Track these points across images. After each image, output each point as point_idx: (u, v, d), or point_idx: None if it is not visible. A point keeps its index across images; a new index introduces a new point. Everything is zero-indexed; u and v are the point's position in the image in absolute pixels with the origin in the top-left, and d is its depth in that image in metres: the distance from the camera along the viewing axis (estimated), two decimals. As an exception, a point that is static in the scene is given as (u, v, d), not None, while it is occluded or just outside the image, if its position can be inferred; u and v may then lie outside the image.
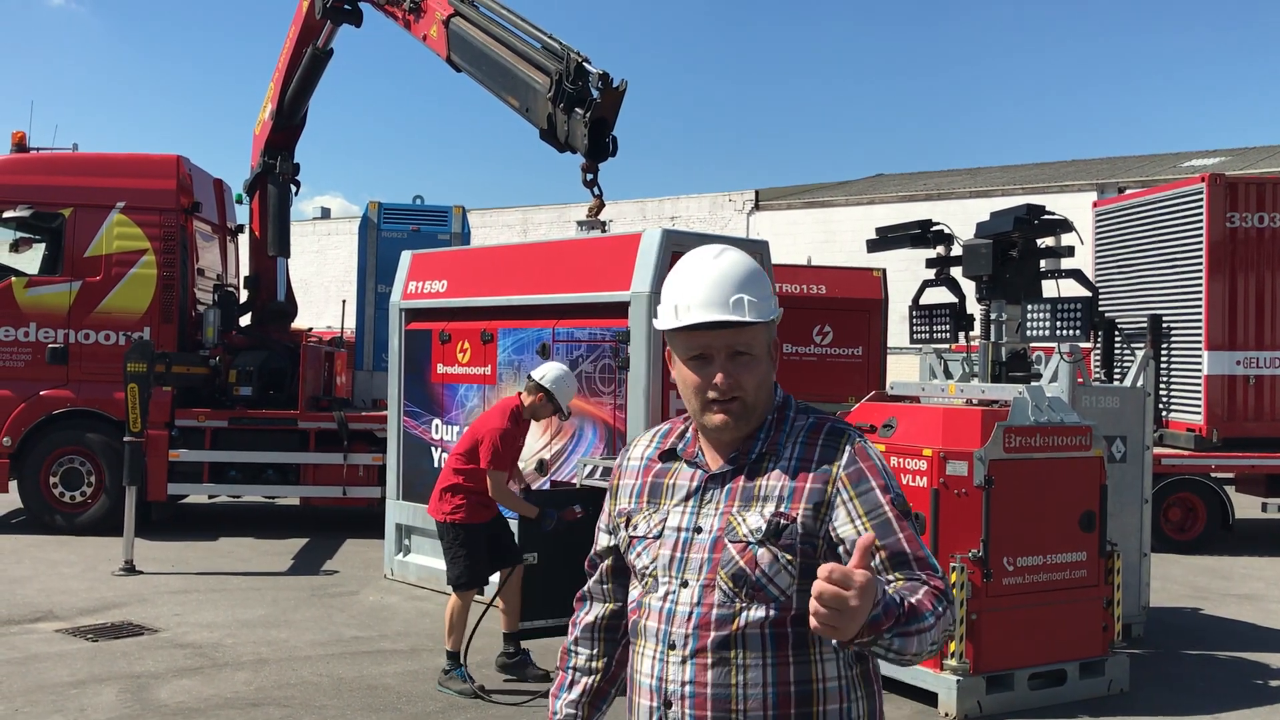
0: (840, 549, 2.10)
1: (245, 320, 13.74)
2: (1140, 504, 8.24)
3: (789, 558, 2.10)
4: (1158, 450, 12.05)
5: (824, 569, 1.84)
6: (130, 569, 9.92)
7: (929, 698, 6.59)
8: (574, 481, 7.75)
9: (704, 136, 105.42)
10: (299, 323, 14.45)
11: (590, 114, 8.96)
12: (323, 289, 34.76)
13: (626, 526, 2.31)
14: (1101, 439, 6.92)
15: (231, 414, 12.29)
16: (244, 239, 14.46)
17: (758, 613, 2.10)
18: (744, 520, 2.14)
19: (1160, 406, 12.96)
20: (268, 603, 9.00)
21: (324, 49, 12.40)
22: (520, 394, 7.09)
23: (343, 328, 14.86)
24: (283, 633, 8.08)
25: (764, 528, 2.12)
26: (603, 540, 2.44)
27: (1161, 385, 13.03)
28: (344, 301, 15.93)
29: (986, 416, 6.67)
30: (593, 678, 2.44)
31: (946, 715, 6.45)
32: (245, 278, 14.23)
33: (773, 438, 2.21)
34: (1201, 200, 12.42)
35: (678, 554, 2.18)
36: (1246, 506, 13.19)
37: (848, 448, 2.17)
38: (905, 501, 2.17)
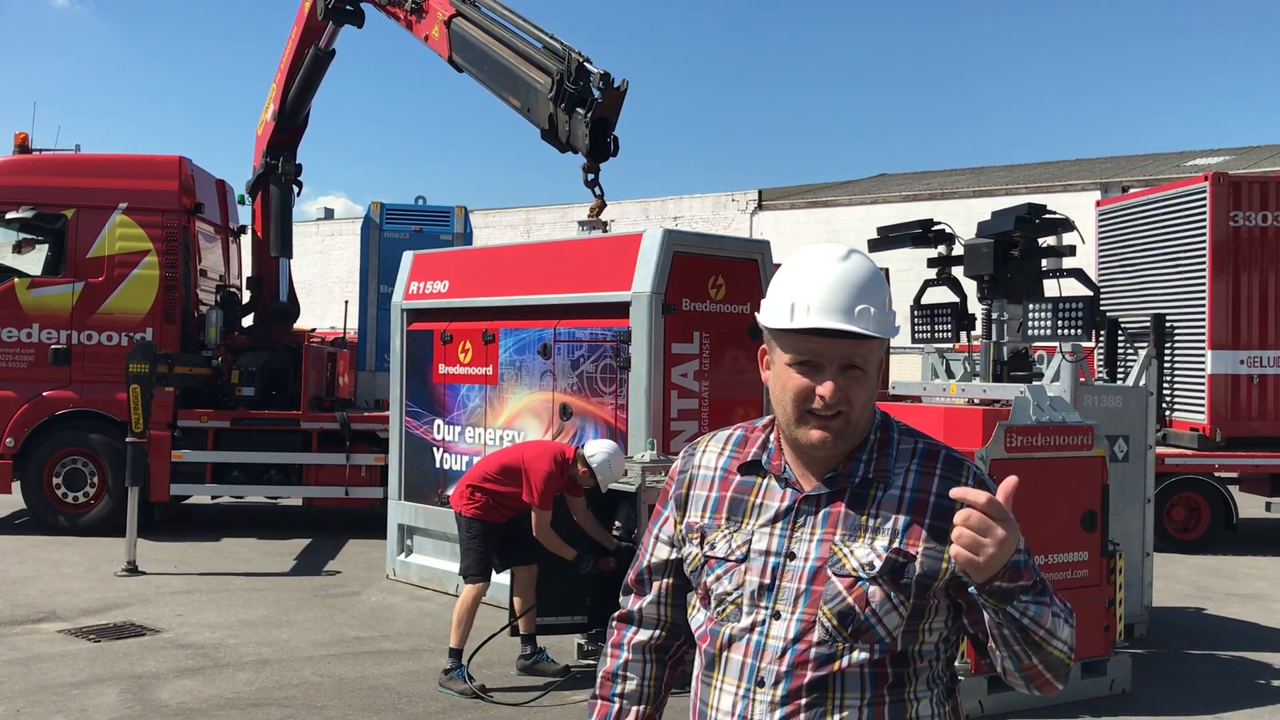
0: (964, 588, 1.95)
1: (248, 321, 13.75)
2: (1143, 503, 8.22)
3: (902, 598, 1.94)
4: (1161, 450, 12.04)
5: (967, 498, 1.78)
6: (133, 569, 9.93)
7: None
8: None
9: (707, 137, 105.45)
10: (301, 323, 14.45)
11: (591, 114, 8.96)
12: (326, 289, 34.79)
13: (701, 544, 2.09)
14: (1104, 438, 6.91)
15: (234, 414, 12.30)
16: (246, 240, 14.48)
17: (861, 654, 1.94)
18: (851, 552, 1.96)
19: (1164, 406, 12.93)
20: (270, 603, 9.01)
21: (326, 50, 12.41)
22: (578, 448, 7.06)
23: (345, 328, 14.88)
24: (284, 633, 8.09)
25: (878, 563, 1.94)
26: (662, 553, 2.20)
27: (1165, 384, 13.01)
28: (346, 302, 15.94)
29: (988, 416, 6.66)
30: (644, 706, 2.21)
31: (948, 715, 6.43)
32: (248, 278, 14.24)
33: (878, 461, 2.02)
34: (1205, 199, 12.40)
35: (767, 581, 1.99)
36: (1250, 506, 13.15)
37: (968, 479, 2.01)
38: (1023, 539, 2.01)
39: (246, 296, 14.07)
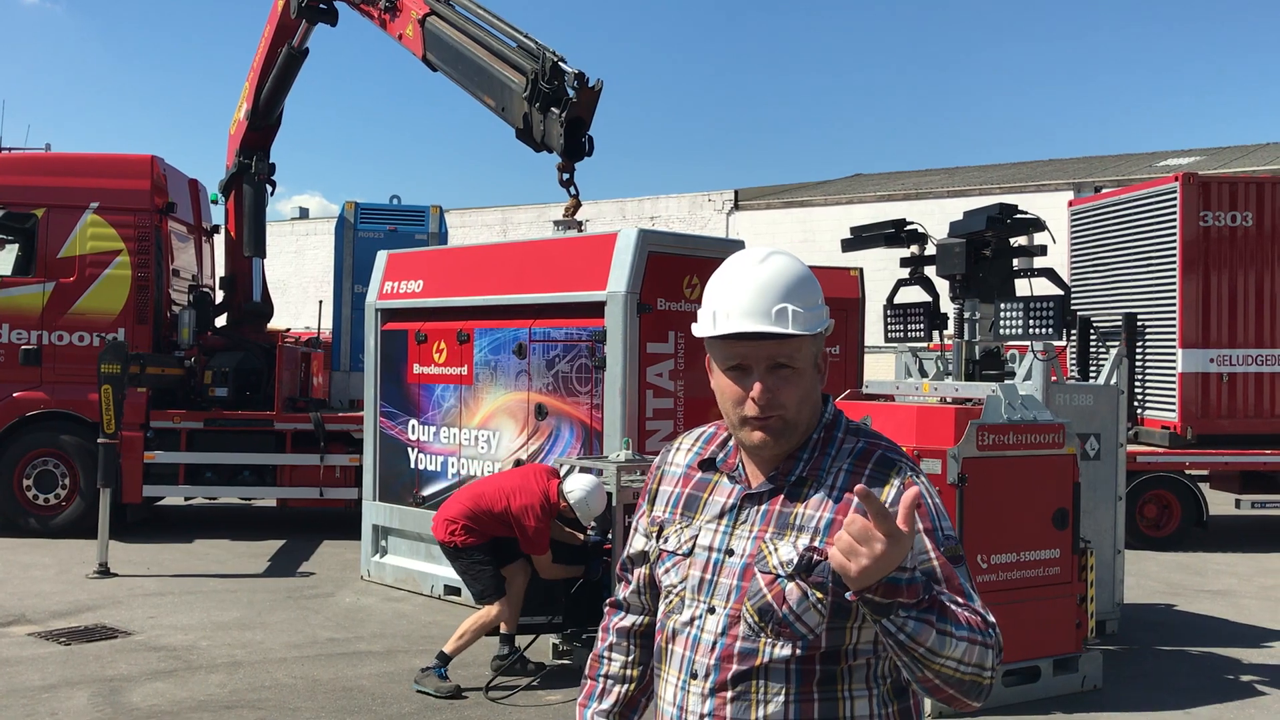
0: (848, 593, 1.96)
1: (221, 321, 13.67)
2: (1114, 501, 8.29)
3: (819, 595, 1.95)
4: (1133, 448, 12.15)
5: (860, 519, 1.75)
6: (104, 572, 9.86)
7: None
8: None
9: (685, 137, 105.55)
10: (276, 323, 14.37)
11: (566, 113, 8.96)
12: (301, 289, 34.64)
13: (658, 538, 2.18)
14: (1075, 436, 6.96)
15: (207, 415, 12.22)
16: (219, 239, 14.39)
17: (783, 650, 1.97)
18: (776, 549, 1.99)
19: (1135, 404, 13.05)
20: (243, 605, 8.96)
21: (299, 48, 12.35)
22: (557, 483, 7.02)
23: (319, 328, 14.80)
24: (258, 635, 8.04)
25: (795, 560, 1.97)
26: (639, 543, 2.29)
27: (1136, 383, 13.12)
28: (320, 302, 15.87)
29: (960, 415, 6.69)
30: (627, 686, 2.30)
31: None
32: (221, 278, 14.16)
33: (815, 460, 2.05)
34: (1175, 199, 12.51)
35: (707, 576, 2.05)
36: (1220, 503, 13.28)
37: (897, 480, 2.01)
38: (957, 545, 2.01)
39: (220, 296, 13.98)
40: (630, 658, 2.32)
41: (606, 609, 2.39)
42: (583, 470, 7.13)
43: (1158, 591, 10.12)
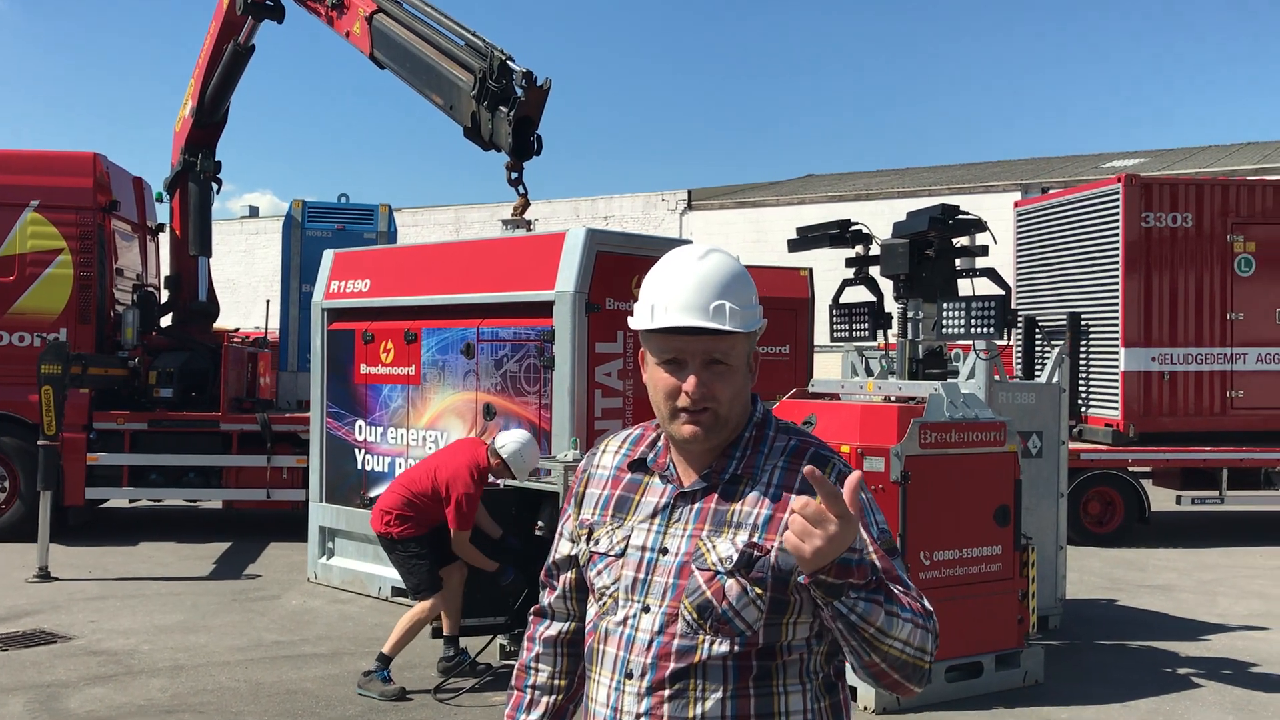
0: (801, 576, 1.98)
1: (166, 321, 13.49)
2: (1056, 498, 8.41)
3: (759, 591, 1.97)
4: (1077, 445, 12.34)
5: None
6: (45, 575, 9.69)
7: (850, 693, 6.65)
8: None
9: (639, 137, 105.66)
10: (226, 322, 14.21)
11: (514, 112, 8.94)
12: (250, 288, 34.25)
13: (588, 540, 2.16)
14: (1016, 434, 7.04)
15: (152, 416, 12.06)
16: (165, 238, 14.20)
17: (721, 646, 1.99)
18: (714, 547, 2.01)
19: (1080, 402, 13.24)
20: (187, 608, 8.85)
21: (245, 45, 12.21)
22: (486, 449, 7.02)
23: (266, 328, 14.65)
24: (201, 638, 7.95)
25: (735, 557, 1.98)
26: (564, 548, 2.27)
27: (1081, 381, 13.30)
28: (268, 301, 15.71)
29: (903, 413, 6.75)
30: (555, 696, 2.28)
31: (866, 709, 6.53)
32: (166, 277, 13.97)
33: (749, 458, 2.08)
34: (1118, 200, 12.70)
35: (641, 576, 2.05)
36: (1162, 500, 13.52)
37: (831, 476, 1.99)
38: (891, 538, 2.05)
39: (165, 296, 13.80)
40: (558, 667, 2.30)
41: (531, 618, 2.36)
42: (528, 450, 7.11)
43: (1100, 587, 10.27)
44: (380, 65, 10.34)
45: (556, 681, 2.29)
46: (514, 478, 7.04)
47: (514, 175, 9.28)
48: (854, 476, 1.85)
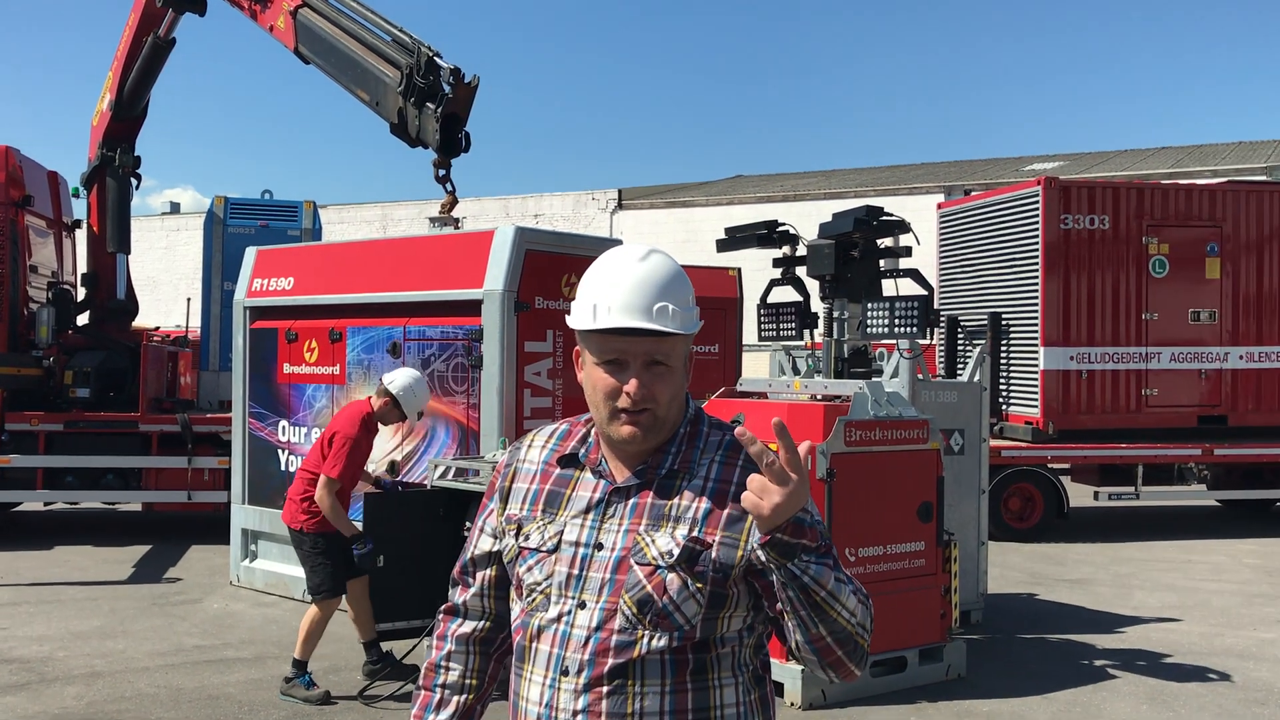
0: (760, 574, 2.00)
1: (83, 319, 13.16)
2: (978, 494, 8.56)
3: (699, 585, 1.98)
4: (998, 443, 12.58)
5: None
6: (-46, 582, 9.41)
7: (775, 688, 6.72)
8: (425, 482, 7.65)
9: (569, 135, 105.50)
10: (147, 321, 13.91)
11: (442, 109, 8.86)
12: (172, 286, 33.56)
13: (516, 535, 2.13)
14: (939, 432, 7.16)
15: (68, 417, 11.77)
16: (81, 235, 13.85)
17: (660, 641, 1.99)
18: (653, 541, 2.01)
19: (1001, 400, 13.50)
20: (105, 613, 8.65)
21: (166, 38, 11.95)
22: (371, 397, 6.96)
23: (187, 326, 14.37)
24: (119, 644, 7.77)
25: (676, 552, 1.99)
26: (485, 545, 2.23)
27: (1002, 380, 13.57)
28: (189, 299, 15.40)
29: (829, 411, 6.83)
30: (466, 695, 2.24)
31: (792, 704, 6.59)
32: (83, 275, 13.62)
33: (685, 453, 2.08)
34: (1038, 203, 12.97)
35: (575, 571, 2.04)
36: (1080, 495, 13.85)
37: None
38: (826, 529, 2.05)
39: (82, 294, 13.46)
40: (469, 666, 2.26)
41: (442, 616, 2.31)
42: (456, 459, 7.06)
43: (1020, 581, 10.49)
44: (305, 60, 10.18)
45: (468, 681, 2.26)
46: (404, 418, 6.93)
47: (442, 172, 9.19)
48: (809, 443, 1.91)
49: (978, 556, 8.55)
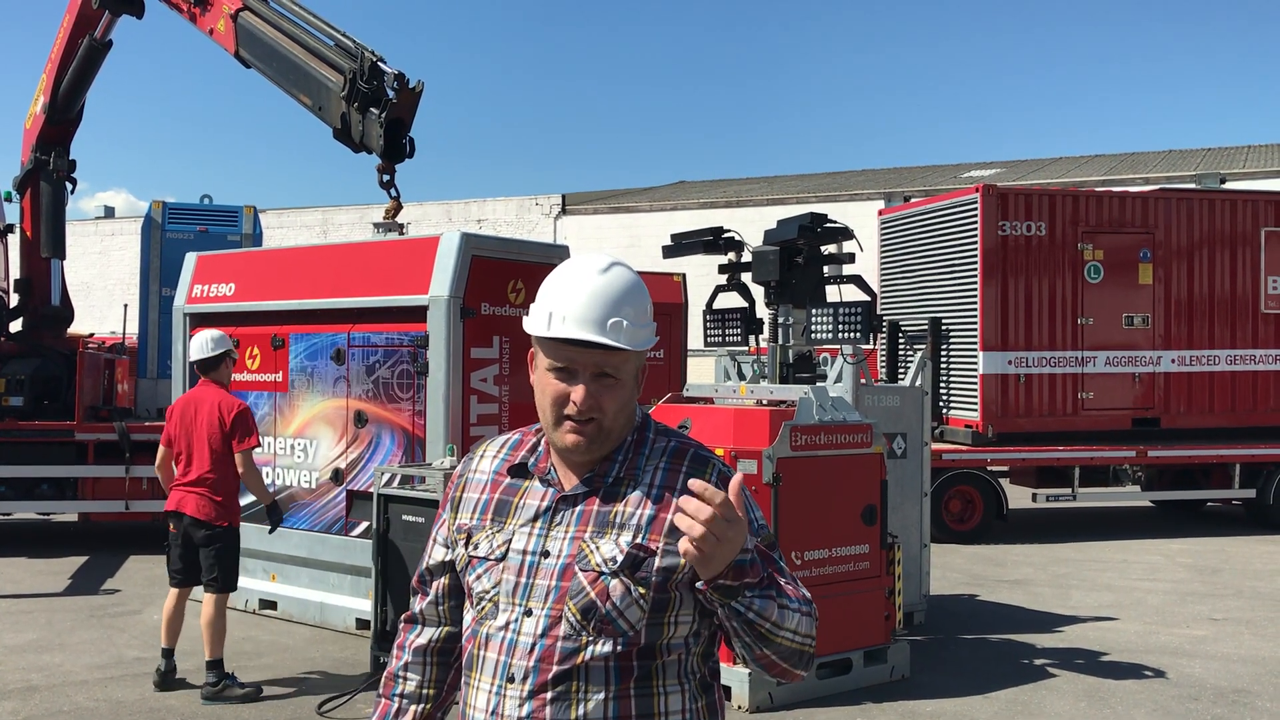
0: (699, 583, 2.00)
1: (16, 326, 12.88)
2: (920, 497, 8.68)
3: (642, 591, 2.00)
4: (939, 446, 12.75)
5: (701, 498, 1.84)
6: (-118, 596, 9.17)
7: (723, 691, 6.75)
8: (370, 490, 7.60)
9: (512, 140, 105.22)
10: (79, 327, 13.63)
11: (385, 114, 8.81)
12: (106, 292, 32.95)
13: (467, 544, 2.15)
14: (882, 436, 7.26)
15: (0, 426, 11.49)
16: (14, 240, 13.55)
17: (604, 647, 2.00)
18: (597, 548, 2.03)
19: (941, 404, 13.69)
20: (40, 626, 8.47)
21: (102, 40, 11.74)
22: (208, 384, 7.03)
23: (124, 333, 14.12)
24: (56, 657, 7.62)
25: (620, 558, 2.01)
26: (439, 554, 2.25)
27: (942, 385, 13.76)
28: (126, 306, 15.13)
29: (774, 416, 6.89)
30: (423, 705, 2.26)
31: (740, 707, 6.63)
32: (15, 281, 13.32)
33: (631, 460, 2.10)
34: (976, 209, 13.19)
35: (523, 579, 2.05)
36: (1019, 497, 14.09)
37: (713, 477, 2.07)
38: (769, 532, 2.11)
39: (14, 300, 13.17)
40: (427, 676, 2.28)
41: (402, 625, 2.33)
42: (402, 466, 7.08)
43: (962, 582, 10.65)
44: (246, 64, 10.06)
45: (425, 690, 2.27)
46: (228, 367, 7.15)
47: (386, 178, 9.14)
48: (736, 479, 1.91)
49: (920, 558, 8.67)
